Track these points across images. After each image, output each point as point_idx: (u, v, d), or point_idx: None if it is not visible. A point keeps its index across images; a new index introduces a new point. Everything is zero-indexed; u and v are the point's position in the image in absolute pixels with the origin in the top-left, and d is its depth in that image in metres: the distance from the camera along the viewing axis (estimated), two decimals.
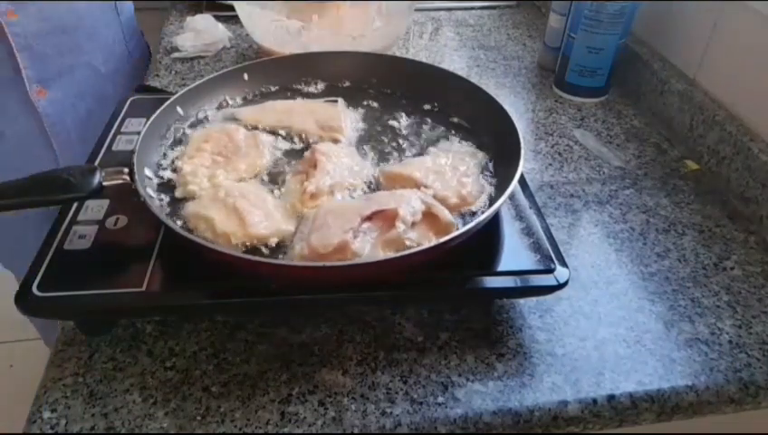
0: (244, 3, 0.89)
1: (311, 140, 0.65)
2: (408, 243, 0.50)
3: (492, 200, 0.57)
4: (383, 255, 0.49)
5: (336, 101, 0.72)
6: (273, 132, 0.66)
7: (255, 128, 0.66)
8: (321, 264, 0.48)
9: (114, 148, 0.65)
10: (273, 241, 0.52)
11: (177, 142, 0.64)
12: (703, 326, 0.54)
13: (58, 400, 0.47)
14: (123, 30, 0.99)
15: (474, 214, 0.56)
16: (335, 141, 0.65)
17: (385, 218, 0.51)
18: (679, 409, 0.49)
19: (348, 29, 0.85)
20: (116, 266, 0.51)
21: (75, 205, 0.56)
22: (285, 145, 0.65)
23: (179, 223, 0.54)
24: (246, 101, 0.72)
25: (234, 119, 0.68)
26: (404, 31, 0.98)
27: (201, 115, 0.69)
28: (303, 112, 0.69)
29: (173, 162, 0.61)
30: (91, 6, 0.79)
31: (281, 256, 0.51)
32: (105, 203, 0.56)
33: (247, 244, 0.52)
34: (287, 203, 0.56)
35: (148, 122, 0.60)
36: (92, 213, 0.55)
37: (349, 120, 0.68)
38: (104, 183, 0.52)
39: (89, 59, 0.90)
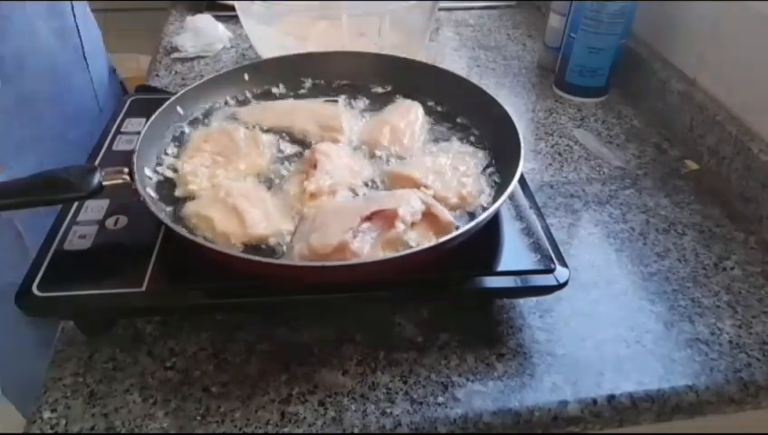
0: (250, 20, 0.89)
1: (311, 140, 0.65)
2: (408, 243, 0.50)
3: (492, 200, 0.57)
4: (383, 254, 0.49)
5: (336, 101, 0.72)
6: (274, 132, 0.66)
7: (256, 127, 0.66)
8: (320, 263, 0.48)
9: (114, 148, 0.65)
10: (272, 241, 0.52)
11: (178, 142, 0.64)
12: (703, 326, 0.54)
13: (58, 400, 0.47)
14: (95, 85, 0.88)
15: (474, 214, 0.56)
16: (335, 141, 0.64)
17: (385, 218, 0.51)
18: (679, 409, 0.49)
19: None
20: (116, 266, 0.51)
21: (75, 205, 0.56)
22: (285, 145, 0.65)
23: (179, 223, 0.54)
24: (246, 101, 0.72)
25: (234, 119, 0.68)
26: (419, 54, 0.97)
27: (201, 115, 0.69)
28: (303, 112, 0.69)
29: (173, 162, 0.61)
30: (63, 66, 0.70)
31: (281, 256, 0.51)
32: (105, 203, 0.56)
33: (246, 244, 0.52)
34: (287, 203, 0.56)
35: (149, 122, 0.60)
36: (92, 213, 0.55)
37: (349, 120, 0.68)
38: (104, 183, 0.52)
39: (56, 128, 0.79)
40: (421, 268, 0.50)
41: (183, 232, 0.48)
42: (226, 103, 0.71)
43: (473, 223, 0.49)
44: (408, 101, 0.70)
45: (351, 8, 0.84)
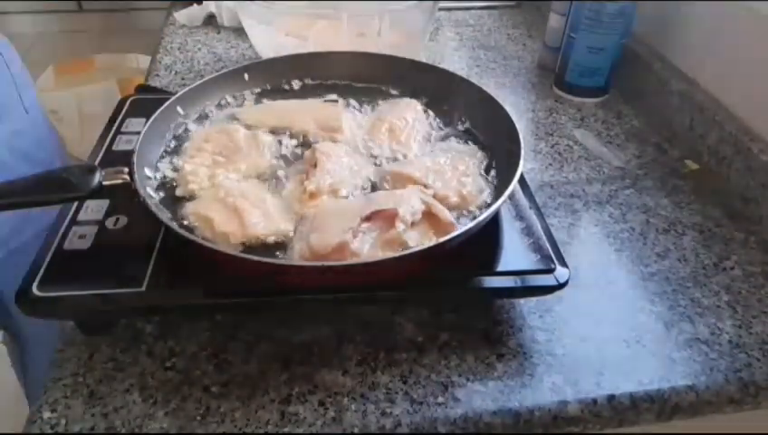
0: (250, 20, 0.89)
1: (311, 140, 0.65)
2: (408, 243, 0.50)
3: (492, 200, 0.57)
4: (382, 254, 0.49)
5: (336, 101, 0.72)
6: (274, 132, 0.66)
7: (256, 127, 0.66)
8: (320, 263, 0.48)
9: (114, 148, 0.65)
10: (271, 240, 0.52)
11: (178, 142, 0.64)
12: (703, 326, 0.54)
13: (58, 400, 0.47)
14: None
15: (473, 213, 0.56)
16: (335, 141, 0.64)
17: (384, 218, 0.51)
18: (679, 409, 0.49)
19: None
20: (116, 266, 0.51)
21: (75, 205, 0.56)
22: (286, 145, 0.65)
23: (179, 222, 0.54)
24: (246, 101, 0.72)
25: (234, 118, 0.68)
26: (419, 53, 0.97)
27: (201, 115, 0.69)
28: (303, 112, 0.69)
29: (173, 162, 0.61)
30: None
31: (280, 256, 0.51)
32: (105, 203, 0.56)
33: (246, 243, 0.52)
34: (287, 203, 0.56)
35: (149, 122, 0.60)
36: (92, 213, 0.55)
37: (348, 119, 0.68)
38: (104, 183, 0.52)
39: None
40: (421, 268, 0.50)
41: (182, 232, 0.48)
42: (227, 103, 0.71)
43: (473, 223, 0.49)
44: (407, 99, 0.71)
45: (351, 8, 0.84)
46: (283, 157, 0.63)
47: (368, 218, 0.51)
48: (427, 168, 0.59)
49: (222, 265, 0.49)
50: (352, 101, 0.72)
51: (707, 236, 0.64)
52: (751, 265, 0.61)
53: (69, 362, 0.50)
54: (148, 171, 0.58)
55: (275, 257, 0.51)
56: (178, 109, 0.66)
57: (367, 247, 0.50)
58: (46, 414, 0.46)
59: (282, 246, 0.52)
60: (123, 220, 0.55)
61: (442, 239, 0.48)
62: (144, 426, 0.46)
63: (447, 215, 0.53)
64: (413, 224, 0.52)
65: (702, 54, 0.78)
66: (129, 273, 0.49)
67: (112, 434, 0.45)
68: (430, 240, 0.51)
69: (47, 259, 0.50)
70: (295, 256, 0.50)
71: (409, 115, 0.67)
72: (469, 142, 0.65)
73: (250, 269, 0.48)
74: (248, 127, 0.66)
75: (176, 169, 0.60)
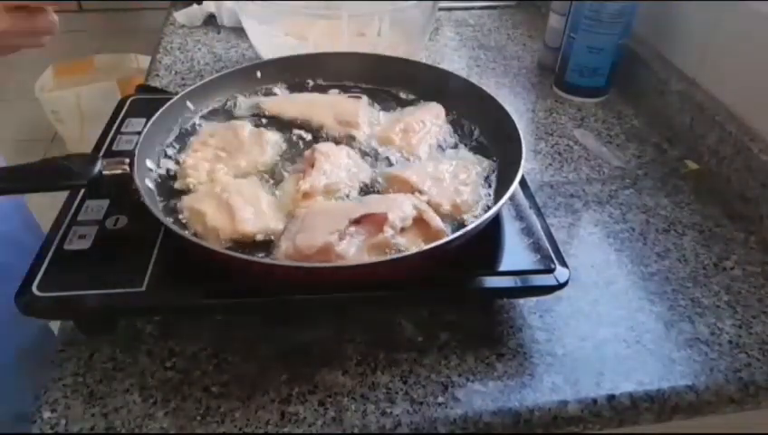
0: (250, 20, 0.89)
1: (327, 133, 0.65)
2: (396, 248, 0.50)
3: (487, 209, 0.56)
4: (367, 258, 0.48)
5: (360, 97, 0.72)
6: (293, 124, 0.67)
7: (279, 117, 0.67)
8: (299, 263, 0.47)
9: (114, 148, 0.65)
10: (260, 238, 0.52)
11: (185, 136, 0.64)
12: (703, 326, 0.54)
13: (58, 400, 0.47)
14: None
15: (467, 223, 0.55)
16: (351, 136, 0.65)
17: (373, 222, 0.51)
18: (679, 409, 0.49)
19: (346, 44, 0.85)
20: (116, 267, 0.51)
21: (75, 204, 0.56)
22: (291, 144, 0.65)
23: (173, 215, 0.54)
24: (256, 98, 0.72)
25: (259, 107, 0.69)
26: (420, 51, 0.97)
27: (208, 111, 0.69)
28: (325, 105, 0.69)
29: (177, 155, 0.61)
30: None
31: (265, 254, 0.51)
32: (105, 203, 0.56)
33: (235, 240, 0.52)
34: (282, 201, 0.56)
35: (156, 115, 0.60)
36: (92, 213, 0.55)
37: (367, 116, 0.68)
38: (104, 172, 0.52)
39: None
40: (413, 271, 0.50)
41: (167, 222, 0.48)
42: (235, 101, 0.71)
43: (460, 232, 0.48)
44: (432, 103, 0.70)
45: (351, 8, 0.84)
46: (287, 156, 0.63)
47: (357, 221, 0.51)
48: (427, 173, 0.58)
49: (209, 261, 0.48)
50: (376, 100, 0.72)
51: (707, 236, 0.64)
52: (751, 265, 0.61)
53: (69, 362, 0.50)
54: (150, 163, 0.58)
55: (260, 256, 0.50)
56: (188, 104, 0.66)
57: (353, 251, 0.49)
58: (46, 414, 0.46)
59: (270, 244, 0.52)
60: (123, 220, 0.55)
61: (425, 247, 0.48)
62: (144, 426, 0.46)
63: (438, 222, 0.52)
64: (403, 229, 0.51)
65: (702, 54, 0.78)
66: (129, 273, 0.49)
67: (112, 434, 0.45)
68: (418, 247, 0.50)
69: (47, 259, 0.50)
70: (280, 255, 0.49)
71: (428, 119, 0.66)
72: (474, 149, 0.64)
73: (232, 265, 0.48)
74: (270, 116, 0.67)
75: (178, 163, 0.60)
